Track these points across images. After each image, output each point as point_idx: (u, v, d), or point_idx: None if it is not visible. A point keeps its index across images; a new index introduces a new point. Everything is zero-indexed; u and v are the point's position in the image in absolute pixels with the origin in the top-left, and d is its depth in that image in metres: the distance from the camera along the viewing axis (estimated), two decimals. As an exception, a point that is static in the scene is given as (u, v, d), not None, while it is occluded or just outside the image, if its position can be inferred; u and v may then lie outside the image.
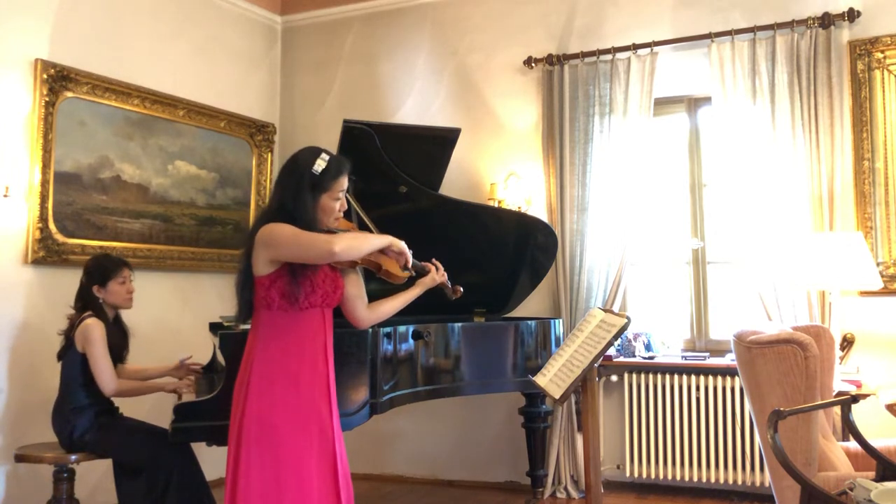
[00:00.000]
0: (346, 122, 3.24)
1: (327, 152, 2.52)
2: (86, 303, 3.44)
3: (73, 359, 3.36)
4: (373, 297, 2.74)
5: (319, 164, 2.47)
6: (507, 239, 4.02)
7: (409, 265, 2.63)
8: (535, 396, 4.23)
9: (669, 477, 4.37)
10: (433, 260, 2.80)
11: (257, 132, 5.33)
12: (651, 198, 4.57)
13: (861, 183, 4.07)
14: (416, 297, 2.74)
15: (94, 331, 3.32)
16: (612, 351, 4.39)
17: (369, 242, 2.52)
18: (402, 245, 2.60)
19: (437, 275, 2.76)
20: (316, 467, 2.41)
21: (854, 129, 4.09)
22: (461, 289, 2.91)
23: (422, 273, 2.75)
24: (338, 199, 2.52)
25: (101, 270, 3.47)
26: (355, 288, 2.65)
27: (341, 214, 2.58)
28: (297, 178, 2.48)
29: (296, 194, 2.46)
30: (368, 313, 2.68)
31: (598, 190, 4.51)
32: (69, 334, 3.40)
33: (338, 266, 2.58)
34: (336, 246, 2.36)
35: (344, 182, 2.53)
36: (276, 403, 2.40)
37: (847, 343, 4.03)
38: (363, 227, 2.80)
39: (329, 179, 2.48)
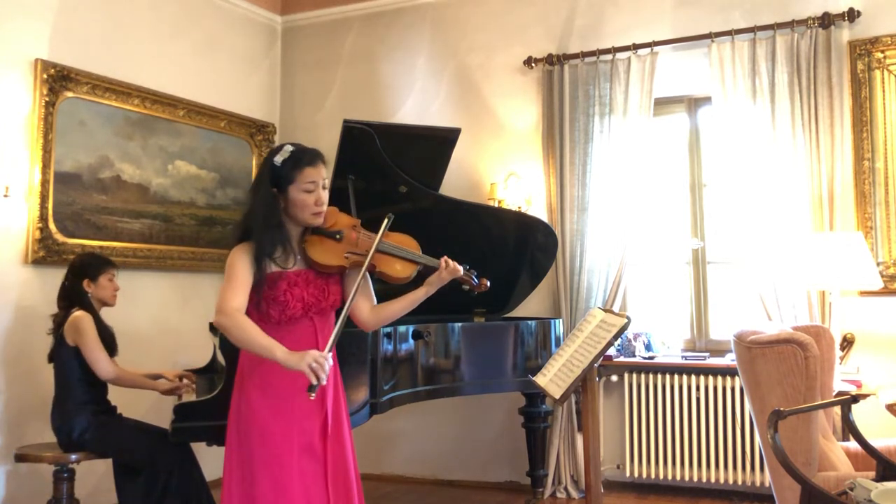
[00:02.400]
0: (346, 122, 3.23)
1: (294, 145, 2.44)
2: (72, 300, 3.44)
3: (65, 354, 3.35)
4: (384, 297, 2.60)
5: (281, 156, 2.40)
6: (507, 239, 4.02)
7: (315, 385, 2.15)
8: (535, 396, 4.23)
9: (669, 477, 4.37)
10: (444, 257, 2.55)
11: (257, 132, 5.33)
12: (651, 198, 4.57)
13: (861, 183, 4.07)
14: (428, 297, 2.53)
15: (84, 321, 3.34)
16: (612, 351, 4.39)
17: (251, 341, 2.24)
18: (304, 364, 2.14)
19: (444, 272, 2.49)
20: (304, 471, 2.36)
21: (854, 129, 4.09)
22: (487, 282, 2.64)
23: (428, 270, 2.53)
24: (308, 191, 2.39)
25: (91, 266, 3.50)
26: (356, 290, 2.48)
27: (321, 209, 2.43)
28: (261, 174, 2.47)
29: (256, 189, 2.44)
30: (372, 316, 2.54)
31: (598, 190, 4.51)
32: (57, 333, 3.39)
33: (327, 271, 2.48)
34: (217, 315, 2.28)
35: (311, 173, 2.39)
36: (252, 408, 2.37)
37: (847, 343, 4.02)
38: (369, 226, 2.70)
39: (292, 169, 2.38)
